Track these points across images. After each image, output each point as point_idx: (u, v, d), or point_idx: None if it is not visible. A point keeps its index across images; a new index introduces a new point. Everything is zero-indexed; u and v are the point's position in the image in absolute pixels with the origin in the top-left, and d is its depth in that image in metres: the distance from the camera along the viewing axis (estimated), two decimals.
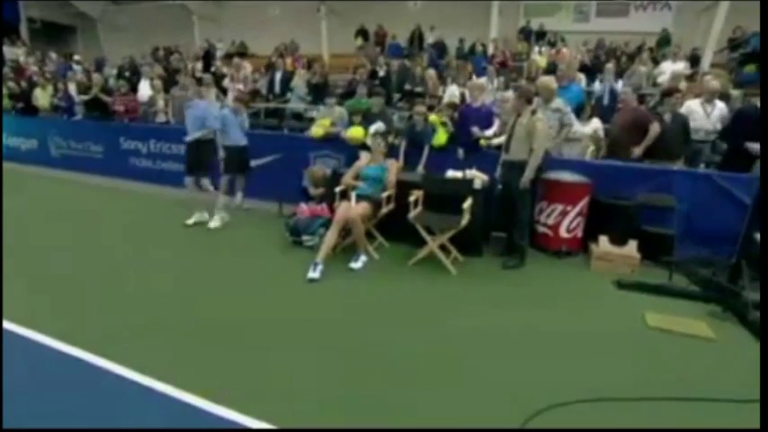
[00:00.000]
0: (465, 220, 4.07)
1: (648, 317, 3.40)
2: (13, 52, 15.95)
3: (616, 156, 5.19)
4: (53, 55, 15.17)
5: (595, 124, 5.41)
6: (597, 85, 6.83)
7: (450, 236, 4.21)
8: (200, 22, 16.74)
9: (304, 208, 4.77)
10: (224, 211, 5.50)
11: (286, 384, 2.54)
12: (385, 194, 4.43)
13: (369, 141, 5.03)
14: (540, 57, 10.01)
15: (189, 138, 5.41)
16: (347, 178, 4.53)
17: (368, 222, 4.48)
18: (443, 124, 5.44)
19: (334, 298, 3.61)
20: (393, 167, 4.57)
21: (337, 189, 4.50)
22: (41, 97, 9.39)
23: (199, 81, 8.79)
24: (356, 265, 4.13)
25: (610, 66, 7.04)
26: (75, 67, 12.71)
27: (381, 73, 8.96)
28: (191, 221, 5.45)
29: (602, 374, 2.73)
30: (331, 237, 4.07)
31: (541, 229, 4.78)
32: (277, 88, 9.40)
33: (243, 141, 5.91)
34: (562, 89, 5.43)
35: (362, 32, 14.80)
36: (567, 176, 4.65)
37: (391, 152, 5.38)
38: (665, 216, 4.52)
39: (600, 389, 2.54)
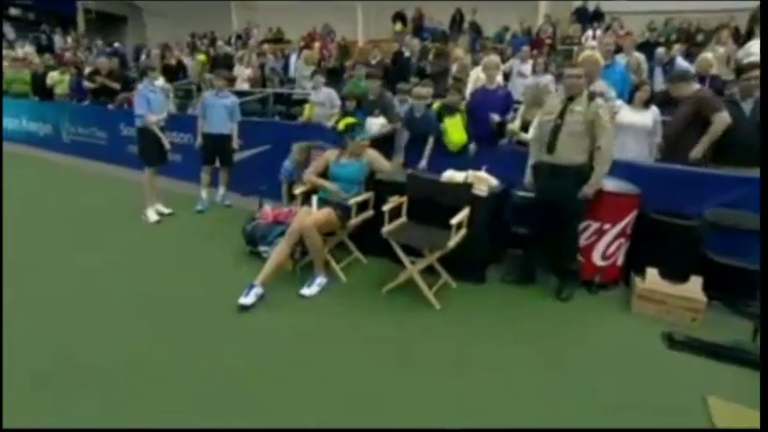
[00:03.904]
0: (453, 240, 3.02)
1: (713, 405, 2.24)
2: (65, 41, 16.57)
3: (675, 159, 3.94)
4: (99, 43, 15.60)
5: (654, 113, 4.11)
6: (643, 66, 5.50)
7: (437, 257, 3.19)
8: (237, 8, 16.59)
9: (267, 211, 3.90)
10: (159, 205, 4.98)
11: None
12: (360, 199, 3.46)
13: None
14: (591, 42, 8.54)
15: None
16: (310, 175, 3.58)
17: (341, 232, 3.55)
18: (458, 112, 4.31)
19: (259, 338, 2.71)
20: (377, 157, 3.59)
21: (297, 191, 3.59)
22: (58, 83, 9.17)
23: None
24: (308, 290, 3.20)
25: (661, 50, 5.64)
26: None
27: (407, 54, 7.96)
28: (153, 218, 4.77)
29: None
30: (280, 252, 3.16)
31: None
32: (292, 73, 8.68)
33: (225, 129, 5.17)
34: (605, 68, 4.20)
35: (401, 17, 13.89)
36: (606, 184, 3.45)
37: (391, 145, 4.44)
38: (745, 242, 3.25)
39: None
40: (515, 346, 2.76)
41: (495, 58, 4.27)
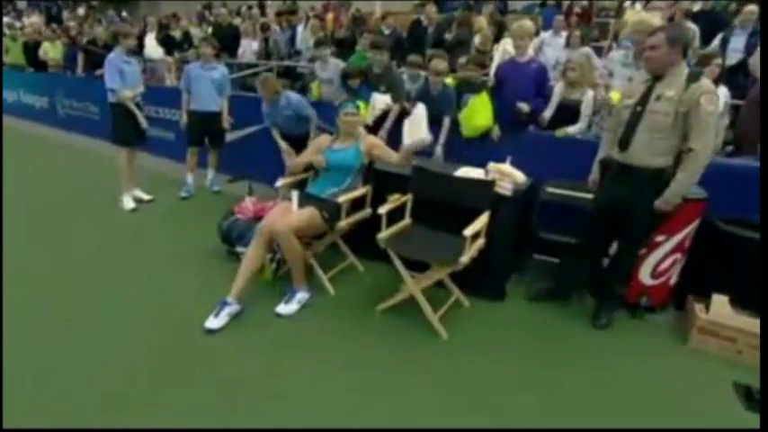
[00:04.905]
0: (467, 255, 2.38)
1: None
2: (74, 13, 16.24)
3: (744, 152, 3.25)
4: (110, 13, 15.30)
5: (723, 95, 3.36)
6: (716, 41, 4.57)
7: (445, 274, 2.57)
8: None
9: (248, 206, 3.30)
10: (137, 190, 4.44)
11: None
12: (353, 195, 2.83)
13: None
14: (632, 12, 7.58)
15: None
16: (305, 158, 3.00)
17: (330, 234, 2.94)
18: (484, 89, 3.61)
19: (219, 368, 2.17)
20: (377, 143, 2.98)
21: (279, 183, 2.98)
22: (51, 52, 8.67)
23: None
24: (286, 308, 2.61)
25: (752, 8, 4.62)
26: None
27: (425, 23, 7.18)
28: (129, 206, 4.24)
29: None
30: (250, 258, 2.57)
31: None
32: (299, 45, 7.98)
33: (213, 106, 4.56)
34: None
35: None
36: None
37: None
38: None
39: None
40: (539, 391, 2.15)
41: (527, 23, 3.50)
